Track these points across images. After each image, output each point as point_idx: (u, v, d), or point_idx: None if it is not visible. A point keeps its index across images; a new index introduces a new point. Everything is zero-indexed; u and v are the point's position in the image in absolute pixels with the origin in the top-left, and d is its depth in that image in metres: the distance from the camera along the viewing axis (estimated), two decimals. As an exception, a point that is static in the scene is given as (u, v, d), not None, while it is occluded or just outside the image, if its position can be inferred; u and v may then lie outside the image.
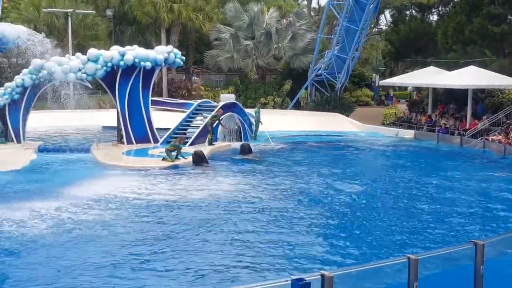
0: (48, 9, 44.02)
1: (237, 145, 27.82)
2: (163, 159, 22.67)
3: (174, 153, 22.69)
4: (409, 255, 7.60)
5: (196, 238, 13.24)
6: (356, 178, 21.16)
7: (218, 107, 28.65)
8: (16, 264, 11.65)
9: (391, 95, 58.90)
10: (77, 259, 11.71)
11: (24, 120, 26.90)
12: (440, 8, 58.95)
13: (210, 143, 27.21)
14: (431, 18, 61.64)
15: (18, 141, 26.46)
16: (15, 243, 12.73)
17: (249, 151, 25.63)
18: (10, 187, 18.24)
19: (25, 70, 26.43)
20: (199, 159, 22.64)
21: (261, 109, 33.00)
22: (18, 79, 26.36)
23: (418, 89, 49.22)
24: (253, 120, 31.37)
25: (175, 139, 24.17)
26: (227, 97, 32.24)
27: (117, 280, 10.74)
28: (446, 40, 44.53)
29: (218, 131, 28.61)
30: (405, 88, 55.68)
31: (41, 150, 25.27)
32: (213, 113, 27.82)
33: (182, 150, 23.17)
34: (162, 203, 16.48)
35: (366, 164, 26.08)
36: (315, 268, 10.86)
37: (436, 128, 34.24)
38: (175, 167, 22.01)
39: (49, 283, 10.60)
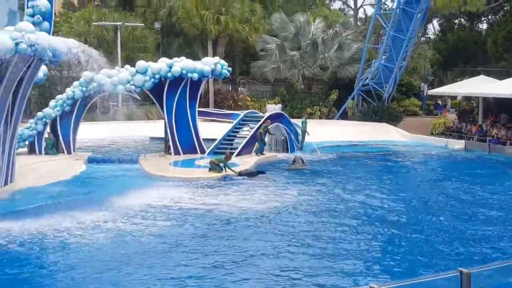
0: (98, 23, 44.90)
1: (283, 156, 27.84)
2: (210, 169, 22.76)
3: (221, 165, 22.73)
4: (461, 269, 7.42)
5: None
6: (414, 191, 20.87)
7: (265, 117, 28.63)
8: (57, 274, 11.78)
9: (441, 104, 57.96)
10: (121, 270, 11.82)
11: (75, 131, 27.40)
12: (489, 17, 58.05)
13: (257, 153, 27.24)
14: (480, 26, 60.76)
15: (69, 152, 26.95)
16: (59, 252, 12.90)
17: (302, 161, 25.66)
18: (61, 198, 18.53)
19: (75, 83, 26.97)
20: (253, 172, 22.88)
21: (307, 119, 32.88)
22: (69, 91, 26.91)
23: (468, 99, 48.44)
24: (299, 131, 31.27)
25: (224, 155, 24.10)
26: (273, 108, 32.28)
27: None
28: (496, 48, 43.80)
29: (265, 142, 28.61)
30: (455, 97, 54.84)
31: (90, 161, 25.65)
32: (263, 124, 27.75)
33: (229, 161, 23.28)
34: (221, 214, 16.55)
35: (420, 176, 25.40)
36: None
37: (488, 138, 33.57)
38: (225, 178, 22.08)
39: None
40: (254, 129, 28.01)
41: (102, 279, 11.39)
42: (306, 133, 31.28)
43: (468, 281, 7.31)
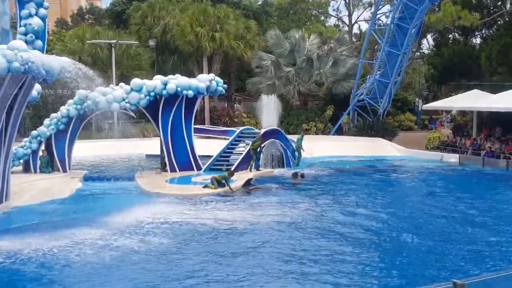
0: (92, 41, 44.99)
1: (279, 171, 27.91)
2: (205, 186, 22.77)
3: (223, 182, 22.75)
4: (454, 280, 7.42)
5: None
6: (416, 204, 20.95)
7: (260, 133, 28.68)
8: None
9: (445, 119, 58.03)
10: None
11: (70, 149, 27.37)
12: (483, 31, 58.32)
13: (251, 169, 27.22)
14: (474, 41, 61.01)
15: (64, 171, 26.91)
16: (53, 270, 12.91)
17: (302, 176, 25.87)
18: (56, 216, 18.47)
19: (70, 101, 26.99)
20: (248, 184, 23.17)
21: (304, 136, 32.87)
22: (63, 109, 26.91)
23: (463, 113, 48.55)
24: (294, 146, 31.29)
25: (227, 172, 24.19)
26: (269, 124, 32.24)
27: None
28: (490, 62, 44.01)
29: (261, 158, 28.63)
30: (449, 111, 54.98)
31: (86, 179, 25.61)
32: (255, 139, 27.89)
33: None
34: (220, 229, 16.59)
35: (415, 189, 25.50)
36: None
37: (481, 152, 33.63)
38: (222, 194, 22.09)
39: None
40: (249, 145, 28.06)
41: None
42: (302, 149, 31.29)
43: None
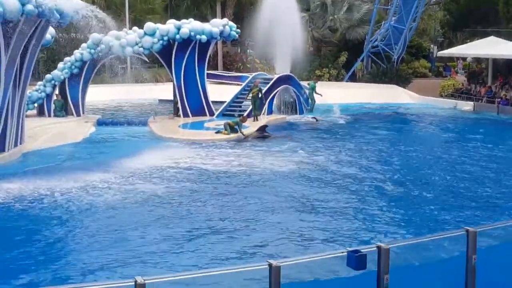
0: (106, -16, 44.55)
1: (292, 117, 27.92)
2: (217, 132, 22.86)
3: (236, 128, 22.79)
4: (467, 228, 7.47)
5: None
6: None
7: (257, 80, 28.38)
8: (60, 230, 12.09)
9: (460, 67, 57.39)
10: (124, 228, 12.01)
11: (83, 94, 27.43)
12: (501, -24, 57.06)
13: (256, 118, 26.22)
14: (492, -14, 59.78)
15: (78, 115, 27.04)
16: (64, 211, 13.17)
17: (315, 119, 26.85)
18: (71, 159, 18.70)
19: (83, 45, 26.91)
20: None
21: (317, 83, 32.67)
22: (77, 53, 26.86)
23: (478, 60, 48.00)
24: (307, 92, 31.24)
25: (240, 117, 24.19)
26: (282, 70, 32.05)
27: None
28: (507, 9, 43.25)
29: (274, 104, 28.57)
30: (464, 59, 54.33)
31: (100, 123, 25.76)
32: (252, 86, 27.40)
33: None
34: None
35: (429, 136, 25.60)
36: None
37: (496, 99, 33.40)
38: (234, 139, 22.21)
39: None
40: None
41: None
42: (318, 95, 31.14)
43: (474, 240, 7.36)
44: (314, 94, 31.06)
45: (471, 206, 13.93)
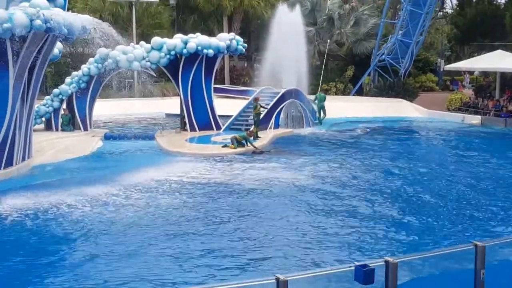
0: (113, -1, 44.80)
1: (300, 131, 27.92)
2: (224, 146, 22.86)
3: (243, 142, 22.76)
4: (475, 242, 7.42)
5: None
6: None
7: (256, 96, 28.38)
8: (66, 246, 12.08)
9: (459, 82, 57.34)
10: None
11: (91, 108, 27.51)
12: (508, -11, 57.13)
13: (257, 136, 25.00)
14: (498, 0, 59.88)
15: (85, 129, 27.10)
16: (72, 225, 13.19)
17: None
18: (78, 174, 18.71)
19: (91, 59, 27.02)
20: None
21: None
22: (84, 68, 26.97)
23: (485, 74, 47.96)
24: (315, 106, 31.25)
25: (247, 131, 24.22)
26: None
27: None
28: (514, 22, 43.23)
29: (280, 118, 28.56)
30: (472, 72, 54.28)
31: (107, 137, 25.79)
32: (253, 103, 27.07)
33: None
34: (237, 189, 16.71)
35: (436, 150, 25.54)
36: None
37: (501, 113, 33.34)
38: (240, 154, 22.14)
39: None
40: (269, 106, 27.86)
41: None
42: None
43: (482, 254, 7.30)
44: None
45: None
